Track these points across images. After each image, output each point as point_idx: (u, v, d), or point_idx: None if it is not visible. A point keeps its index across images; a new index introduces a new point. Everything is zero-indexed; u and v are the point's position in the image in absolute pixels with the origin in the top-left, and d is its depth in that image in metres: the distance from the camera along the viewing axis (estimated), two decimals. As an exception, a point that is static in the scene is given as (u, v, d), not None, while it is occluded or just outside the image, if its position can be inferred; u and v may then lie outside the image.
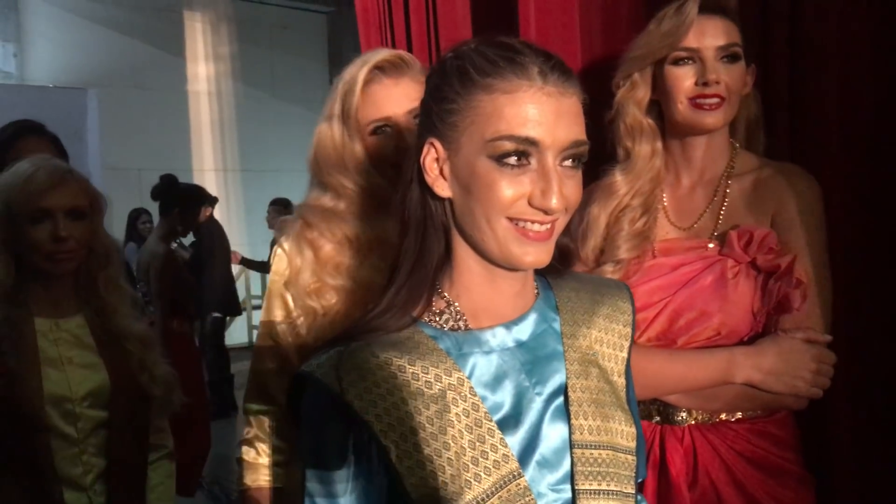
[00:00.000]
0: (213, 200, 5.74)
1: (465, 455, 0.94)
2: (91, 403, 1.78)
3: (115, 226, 5.99)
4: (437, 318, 1.02)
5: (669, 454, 1.51)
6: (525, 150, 0.93)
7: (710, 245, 1.53)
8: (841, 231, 1.58)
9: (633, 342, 1.11)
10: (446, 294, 1.03)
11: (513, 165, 0.93)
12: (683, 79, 1.50)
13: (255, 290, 9.15)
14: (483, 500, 0.93)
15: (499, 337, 1.02)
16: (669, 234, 1.59)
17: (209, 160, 9.82)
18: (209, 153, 9.83)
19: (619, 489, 1.02)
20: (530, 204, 0.94)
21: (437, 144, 0.98)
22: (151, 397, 1.88)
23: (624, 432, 1.05)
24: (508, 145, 0.92)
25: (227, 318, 6.87)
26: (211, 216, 5.92)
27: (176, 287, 4.47)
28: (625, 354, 1.10)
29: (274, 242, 1.70)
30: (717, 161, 1.58)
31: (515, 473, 0.95)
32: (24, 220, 1.75)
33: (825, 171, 1.60)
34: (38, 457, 1.70)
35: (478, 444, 0.95)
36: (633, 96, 1.57)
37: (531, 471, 0.98)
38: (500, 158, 0.93)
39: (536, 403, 1.01)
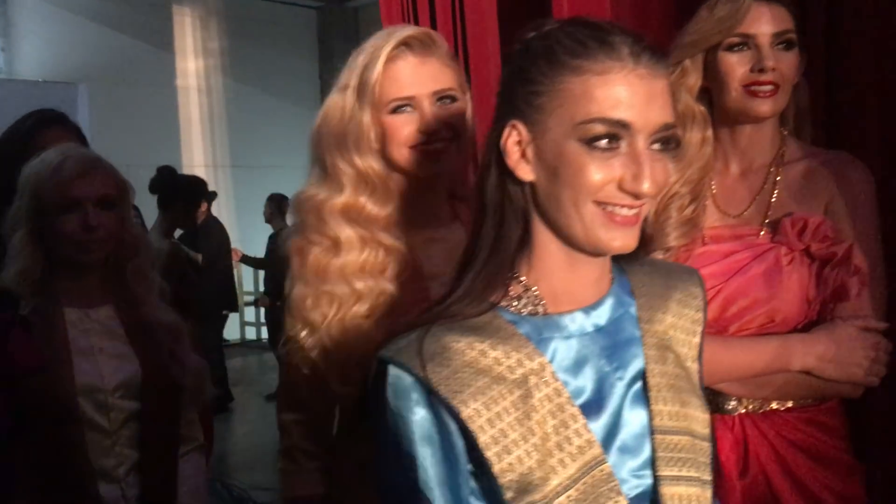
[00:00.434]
0: (212, 195, 5.68)
1: (549, 440, 0.93)
2: (123, 394, 1.75)
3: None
4: (516, 303, 1.01)
5: (719, 443, 1.49)
6: (616, 132, 0.91)
7: (762, 233, 1.53)
8: (884, 223, 1.56)
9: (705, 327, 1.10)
10: (524, 279, 1.01)
11: (603, 149, 0.91)
12: (738, 65, 1.49)
13: (248, 286, 9.09)
14: (569, 485, 0.92)
15: (578, 322, 1.00)
16: (718, 221, 1.58)
17: (199, 156, 9.77)
18: (199, 149, 9.79)
19: (698, 476, 1.01)
20: (620, 188, 0.92)
21: (521, 127, 0.96)
22: (182, 388, 1.86)
23: (700, 419, 1.04)
24: (599, 128, 0.91)
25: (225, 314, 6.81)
26: (209, 213, 5.86)
27: (182, 284, 4.41)
28: (698, 340, 1.08)
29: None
30: (766, 149, 1.57)
31: (599, 459, 0.94)
32: (53, 210, 1.72)
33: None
34: (72, 449, 1.67)
35: (561, 429, 0.93)
36: (685, 83, 1.55)
37: (613, 456, 0.97)
38: (590, 141, 0.91)
39: (618, 388, 1.00)
